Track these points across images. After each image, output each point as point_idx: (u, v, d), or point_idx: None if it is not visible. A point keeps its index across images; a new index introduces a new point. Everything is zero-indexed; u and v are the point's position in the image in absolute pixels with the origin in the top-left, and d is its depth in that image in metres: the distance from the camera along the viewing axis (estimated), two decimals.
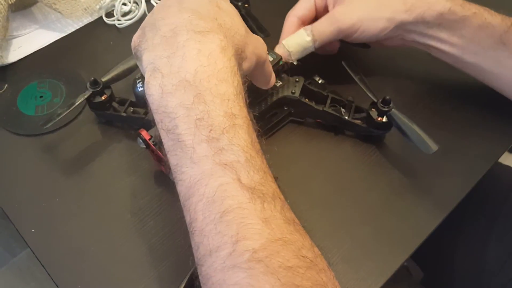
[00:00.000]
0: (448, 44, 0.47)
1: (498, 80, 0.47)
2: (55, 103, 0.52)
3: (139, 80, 0.41)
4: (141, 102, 0.42)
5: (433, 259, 0.65)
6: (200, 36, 0.30)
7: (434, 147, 0.42)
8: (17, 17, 0.61)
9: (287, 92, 0.47)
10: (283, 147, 0.48)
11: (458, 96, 0.53)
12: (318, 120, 0.49)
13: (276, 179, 0.41)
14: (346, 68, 0.48)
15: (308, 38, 0.46)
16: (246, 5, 0.54)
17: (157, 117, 0.30)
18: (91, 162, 0.47)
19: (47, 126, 0.45)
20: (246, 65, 0.34)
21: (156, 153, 0.42)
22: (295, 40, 0.47)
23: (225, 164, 0.27)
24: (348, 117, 0.47)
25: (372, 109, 0.46)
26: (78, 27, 0.60)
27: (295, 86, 0.47)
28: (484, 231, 0.58)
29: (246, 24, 0.34)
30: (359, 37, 0.46)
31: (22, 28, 0.60)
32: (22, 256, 1.06)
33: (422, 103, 0.52)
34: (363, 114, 0.47)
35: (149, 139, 0.42)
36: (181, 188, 0.29)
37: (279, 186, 0.34)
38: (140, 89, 0.41)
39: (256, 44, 0.35)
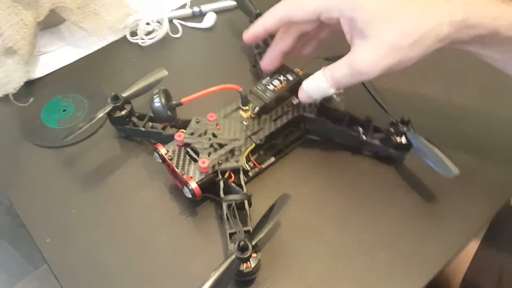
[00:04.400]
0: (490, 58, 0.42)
1: None
2: (77, 117, 0.53)
3: (156, 95, 0.42)
4: (158, 116, 0.43)
5: None
6: None
7: (455, 170, 0.41)
8: (46, 34, 0.63)
9: (303, 110, 0.47)
10: (299, 164, 0.48)
11: (484, 118, 0.52)
12: (335, 139, 0.49)
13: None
14: (365, 87, 0.47)
15: (332, 91, 0.42)
16: None
17: None
18: (109, 175, 0.48)
19: (67, 139, 0.46)
20: None
21: (171, 168, 0.43)
22: (315, 87, 0.43)
23: None
24: (366, 136, 0.46)
25: (391, 129, 0.45)
26: (103, 45, 0.62)
27: (312, 104, 0.47)
28: (501, 257, 0.56)
29: None
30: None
31: (50, 45, 0.62)
32: (44, 268, 1.07)
33: (442, 123, 0.51)
34: (382, 134, 0.46)
35: (165, 154, 0.43)
36: None
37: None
38: (157, 104, 0.41)
39: None
